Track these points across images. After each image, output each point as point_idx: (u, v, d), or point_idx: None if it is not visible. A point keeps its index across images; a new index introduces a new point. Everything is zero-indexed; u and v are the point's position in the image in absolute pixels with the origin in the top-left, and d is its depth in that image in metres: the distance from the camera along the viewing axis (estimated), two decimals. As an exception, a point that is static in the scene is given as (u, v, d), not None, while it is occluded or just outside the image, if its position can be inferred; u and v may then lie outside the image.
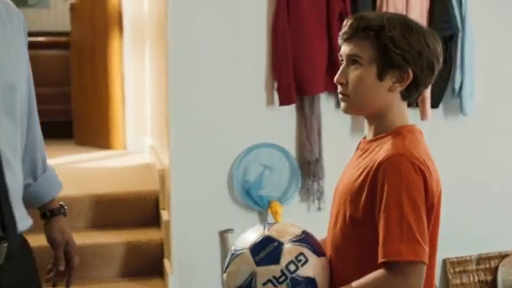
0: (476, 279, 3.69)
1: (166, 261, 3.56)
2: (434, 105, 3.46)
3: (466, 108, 3.47)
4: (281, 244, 1.68)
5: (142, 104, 5.33)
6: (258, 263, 1.67)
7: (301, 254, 1.67)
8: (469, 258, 3.68)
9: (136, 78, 5.43)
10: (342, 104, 1.71)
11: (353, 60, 1.67)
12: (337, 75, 1.69)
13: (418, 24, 1.68)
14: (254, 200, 3.40)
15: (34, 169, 1.89)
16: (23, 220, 1.74)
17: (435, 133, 3.51)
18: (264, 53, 3.35)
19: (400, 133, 1.65)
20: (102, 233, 3.69)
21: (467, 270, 3.69)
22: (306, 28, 3.27)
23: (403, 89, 1.65)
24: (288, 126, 3.40)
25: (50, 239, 1.94)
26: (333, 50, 3.27)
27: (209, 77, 3.35)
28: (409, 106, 1.72)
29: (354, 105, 1.68)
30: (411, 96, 1.68)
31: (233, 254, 1.73)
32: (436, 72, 1.69)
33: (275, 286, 1.64)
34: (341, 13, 3.29)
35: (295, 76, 3.27)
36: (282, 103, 3.31)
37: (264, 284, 1.66)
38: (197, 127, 3.36)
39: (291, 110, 3.38)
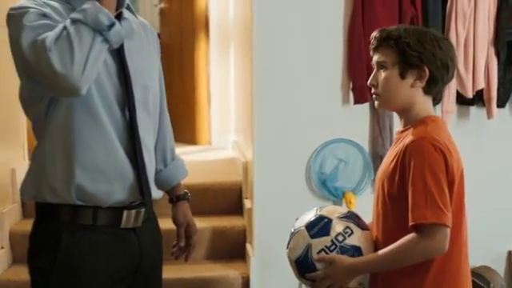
0: (541, 270, 3.81)
1: (248, 245, 3.81)
2: (501, 104, 3.63)
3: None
4: (330, 220, 2.02)
5: (227, 103, 5.54)
6: (313, 236, 2.01)
7: (347, 227, 2.01)
8: (534, 250, 3.78)
9: (221, 79, 5.64)
10: (376, 102, 2.04)
11: (380, 65, 2.00)
12: (369, 79, 2.02)
13: (433, 32, 2.01)
14: (330, 191, 3.63)
15: (164, 156, 2.26)
16: (155, 191, 2.10)
17: (501, 131, 3.69)
18: (340, 55, 3.56)
19: (423, 122, 1.95)
20: (192, 219, 3.95)
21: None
22: None
23: (423, 85, 1.97)
24: (362, 122, 3.60)
25: (174, 220, 2.30)
26: None
27: (289, 77, 3.59)
28: (436, 102, 1.98)
29: (384, 101, 2.01)
30: (431, 91, 2.00)
31: (292, 232, 2.08)
32: (451, 71, 1.97)
33: (327, 253, 1.97)
34: (412, 17, 3.48)
35: (369, 77, 3.45)
36: (356, 102, 3.52)
37: (318, 253, 1.99)
38: (278, 124, 3.60)
39: (365, 108, 3.58)
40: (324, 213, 2.07)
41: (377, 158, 3.60)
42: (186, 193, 2.33)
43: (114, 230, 2.02)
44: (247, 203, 3.89)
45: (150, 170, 2.08)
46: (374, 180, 3.59)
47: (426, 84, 1.97)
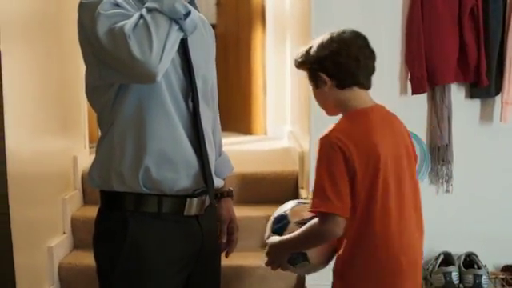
0: None
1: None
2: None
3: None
4: (288, 222, 2.24)
5: (283, 93, 5.56)
6: (274, 231, 2.26)
7: None
8: None
9: (277, 70, 5.68)
10: None
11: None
12: None
13: (334, 37, 2.19)
14: (387, 181, 3.62)
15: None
16: (216, 179, 2.16)
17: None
18: (399, 45, 3.54)
19: (342, 119, 2.19)
20: (247, 207, 3.99)
21: None
22: (438, 22, 3.44)
23: (335, 84, 2.15)
24: (420, 113, 3.58)
25: (218, 215, 2.34)
26: (463, 43, 3.45)
27: None
28: (365, 88, 2.24)
29: (326, 111, 2.28)
30: (344, 83, 2.17)
31: (271, 218, 2.30)
32: (360, 60, 2.23)
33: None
34: (472, 8, 3.44)
35: (427, 67, 3.44)
36: (414, 92, 3.50)
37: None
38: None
39: (423, 98, 3.55)
40: (289, 212, 2.26)
41: (435, 148, 3.58)
42: (231, 190, 2.38)
43: (177, 218, 2.07)
44: (303, 193, 3.92)
45: (212, 159, 2.14)
46: (431, 171, 3.62)
47: (337, 81, 2.16)
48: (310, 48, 2.17)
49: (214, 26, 6.43)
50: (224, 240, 2.35)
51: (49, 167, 3.70)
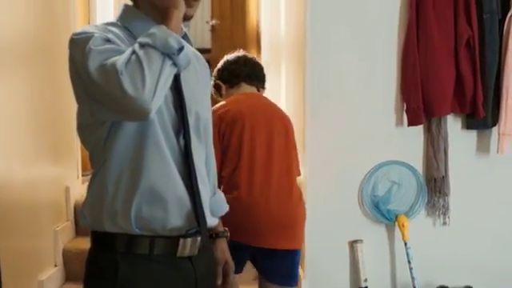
0: None
1: (299, 267, 3.79)
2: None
3: None
4: None
5: None
6: None
7: None
8: None
9: (272, 95, 5.61)
10: None
11: None
12: None
13: (231, 59, 3.24)
14: (382, 213, 3.59)
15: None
16: (210, 218, 2.10)
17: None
18: (394, 76, 3.53)
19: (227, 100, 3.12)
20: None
21: None
22: (434, 53, 3.42)
23: (226, 87, 3.19)
24: (416, 144, 3.56)
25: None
26: (460, 74, 3.43)
27: (342, 97, 3.56)
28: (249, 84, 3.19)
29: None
30: (231, 83, 3.18)
31: None
32: (230, 70, 3.22)
33: None
34: (468, 39, 3.43)
35: (424, 99, 3.42)
36: (410, 124, 3.47)
37: None
38: (330, 145, 3.57)
39: (419, 129, 3.53)
40: None
41: (431, 180, 3.55)
42: (226, 230, 2.32)
43: (170, 260, 2.02)
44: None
45: (204, 197, 2.09)
46: (427, 203, 3.59)
47: (227, 85, 3.19)
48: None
49: (208, 51, 6.43)
50: (219, 282, 2.29)
51: (40, 197, 3.66)
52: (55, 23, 3.91)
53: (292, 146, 3.13)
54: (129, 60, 1.80)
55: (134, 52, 1.82)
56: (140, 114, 1.82)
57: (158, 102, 1.83)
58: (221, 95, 3.22)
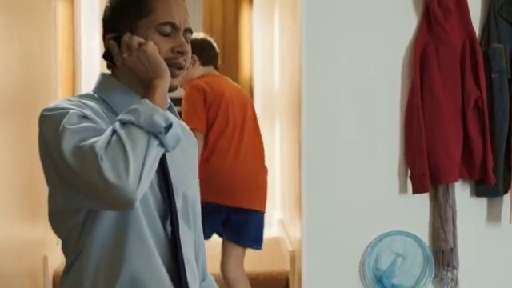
0: None
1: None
2: None
3: None
4: None
5: (272, 177, 5.37)
6: None
7: None
8: None
9: (266, 152, 5.50)
10: None
11: None
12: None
13: (211, 42, 3.77)
14: (386, 288, 3.37)
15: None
16: None
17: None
18: (397, 139, 3.33)
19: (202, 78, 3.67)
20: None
21: None
22: (440, 115, 3.24)
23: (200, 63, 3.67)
24: (421, 213, 3.35)
25: None
26: (468, 137, 3.25)
27: (341, 161, 3.36)
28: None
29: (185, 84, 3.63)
30: (206, 63, 3.70)
31: None
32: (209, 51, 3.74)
33: None
34: (476, 100, 3.25)
35: (430, 164, 3.23)
36: (415, 191, 3.27)
37: None
38: (329, 212, 3.36)
39: (424, 197, 3.33)
40: None
41: (438, 252, 3.33)
42: None
43: None
44: (294, 296, 3.64)
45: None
46: (435, 277, 3.36)
47: (200, 61, 3.66)
48: None
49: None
50: None
51: (16, 267, 3.44)
52: (34, 81, 3.72)
53: (258, 130, 3.84)
54: (109, 142, 1.61)
55: (114, 132, 1.62)
56: (123, 205, 1.63)
57: (143, 189, 1.63)
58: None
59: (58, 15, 4.21)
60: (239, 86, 3.92)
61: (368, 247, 3.36)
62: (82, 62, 4.70)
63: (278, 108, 5.16)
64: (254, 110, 3.83)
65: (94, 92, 1.83)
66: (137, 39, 1.75)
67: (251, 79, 5.67)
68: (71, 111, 1.68)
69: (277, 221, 5.09)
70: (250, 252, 4.57)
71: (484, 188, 3.31)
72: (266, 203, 3.70)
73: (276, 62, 5.26)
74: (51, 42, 4.02)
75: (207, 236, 3.26)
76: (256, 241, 3.63)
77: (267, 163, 5.48)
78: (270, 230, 5.10)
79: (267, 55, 5.50)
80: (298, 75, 3.45)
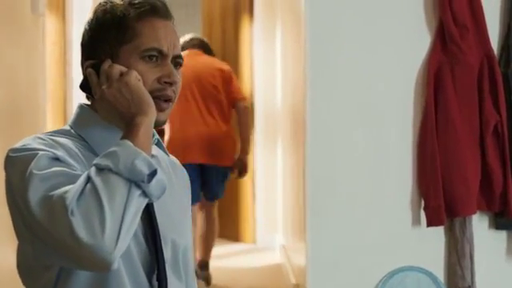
0: None
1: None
2: None
3: None
4: None
5: (274, 200, 5.35)
6: None
7: None
8: None
9: (266, 173, 5.51)
10: None
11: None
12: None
13: None
14: (398, 329, 3.15)
15: None
16: None
17: None
18: (409, 167, 3.15)
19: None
20: None
21: None
22: (457, 142, 3.06)
23: None
24: (436, 248, 3.17)
25: None
26: (487, 165, 3.07)
27: (349, 190, 3.17)
28: None
29: None
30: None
31: None
32: None
33: None
34: (496, 125, 3.07)
35: (445, 195, 3.04)
36: (429, 224, 3.08)
37: None
38: (336, 246, 3.18)
39: (439, 230, 3.15)
40: None
41: (455, 290, 3.12)
42: None
43: None
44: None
45: None
46: None
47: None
48: None
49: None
50: None
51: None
52: (19, 101, 3.54)
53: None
54: (82, 192, 1.40)
55: (89, 180, 1.41)
56: (98, 266, 1.43)
57: (122, 248, 1.43)
58: None
59: (48, 30, 4.02)
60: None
61: (378, 284, 3.16)
62: (73, 79, 4.53)
63: (279, 127, 5.06)
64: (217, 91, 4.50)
65: (71, 127, 1.61)
66: (118, 68, 1.54)
67: (251, 96, 5.52)
68: (41, 152, 1.47)
69: (279, 246, 4.93)
70: (250, 274, 4.48)
71: (504, 220, 3.14)
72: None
73: (278, 79, 5.18)
74: (39, 61, 3.84)
75: (196, 200, 4.08)
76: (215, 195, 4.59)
77: (267, 184, 5.48)
78: (272, 256, 4.99)
79: (269, 71, 5.43)
80: (303, 95, 3.29)
